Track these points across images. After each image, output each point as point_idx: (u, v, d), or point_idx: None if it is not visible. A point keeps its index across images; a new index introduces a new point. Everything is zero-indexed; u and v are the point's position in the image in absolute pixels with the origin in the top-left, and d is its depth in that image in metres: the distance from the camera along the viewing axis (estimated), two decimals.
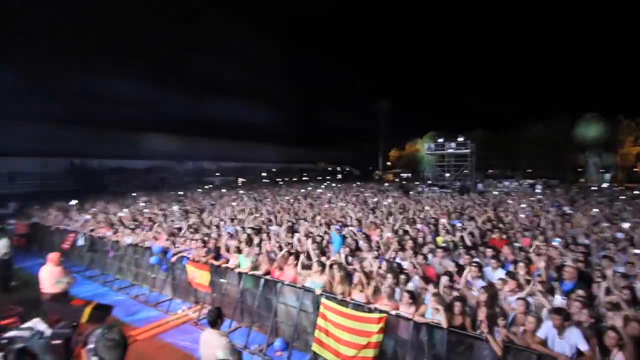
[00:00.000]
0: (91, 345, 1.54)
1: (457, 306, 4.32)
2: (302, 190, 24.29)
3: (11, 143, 19.74)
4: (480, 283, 5.03)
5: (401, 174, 48.67)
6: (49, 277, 5.60)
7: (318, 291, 5.34)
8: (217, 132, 39.90)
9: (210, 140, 40.27)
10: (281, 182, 41.96)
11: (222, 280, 6.89)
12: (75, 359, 1.87)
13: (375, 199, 16.51)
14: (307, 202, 15.48)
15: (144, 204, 15.28)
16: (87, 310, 2.14)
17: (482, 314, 4.12)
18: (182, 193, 22.68)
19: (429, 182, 32.88)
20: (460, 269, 5.44)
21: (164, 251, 8.03)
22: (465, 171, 31.55)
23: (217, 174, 44.06)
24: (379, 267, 5.72)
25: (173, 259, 7.73)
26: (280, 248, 6.78)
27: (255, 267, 6.44)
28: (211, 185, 33.67)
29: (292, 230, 8.66)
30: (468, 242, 7.21)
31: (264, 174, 47.85)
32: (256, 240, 7.49)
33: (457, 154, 32.17)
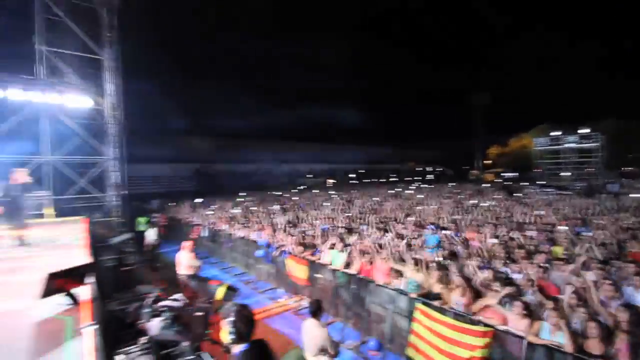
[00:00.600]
0: (231, 318, 1.89)
1: (591, 327, 3.66)
2: (391, 191, 23.82)
3: (152, 152, 24.69)
4: (617, 305, 4.19)
5: (503, 174, 43.19)
6: (184, 261, 6.87)
7: (413, 295, 5.24)
8: (308, 135, 42.18)
9: (303, 144, 42.80)
10: (369, 183, 41.87)
11: (317, 275, 7.33)
12: (212, 329, 2.28)
13: (474, 201, 15.11)
14: (396, 202, 15.15)
15: (250, 203, 17.26)
16: (222, 290, 2.60)
17: (621, 341, 3.46)
18: (279, 193, 24.74)
19: (542, 182, 28.37)
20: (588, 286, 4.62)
21: (268, 245, 8.96)
22: (590, 169, 26.19)
23: (308, 175, 46.47)
24: (482, 275, 5.28)
25: (275, 253, 8.57)
26: (373, 247, 6.85)
27: (347, 264, 6.67)
28: (304, 187, 35.76)
29: (382, 230, 8.64)
30: (598, 255, 6.05)
31: (351, 175, 48.43)
32: (349, 238, 7.74)
33: (579, 148, 26.96)
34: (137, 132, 14.72)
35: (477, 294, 4.80)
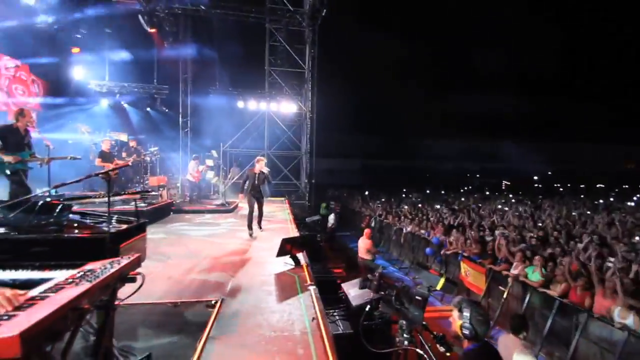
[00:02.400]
0: (466, 314, 2.00)
1: None
2: (601, 201, 18.18)
3: (330, 147, 28.16)
4: None
5: None
6: (364, 246, 7.62)
7: None
8: (470, 128, 37.24)
9: (469, 140, 38.27)
10: (561, 189, 33.43)
11: (501, 287, 6.58)
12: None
13: None
14: (612, 217, 11.42)
15: (416, 200, 17.21)
16: (442, 280, 2.79)
17: None
18: (443, 192, 23.39)
19: None
20: None
21: (440, 244, 8.71)
22: None
23: (477, 175, 41.58)
24: None
25: (448, 252, 8.25)
26: (593, 270, 5.52)
27: (548, 282, 5.65)
28: (471, 187, 32.34)
29: (599, 253, 6.78)
30: None
31: (535, 178, 39.84)
32: (544, 253, 6.51)
33: None
34: (325, 129, 17.17)
35: None
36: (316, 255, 6.82)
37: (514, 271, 6.37)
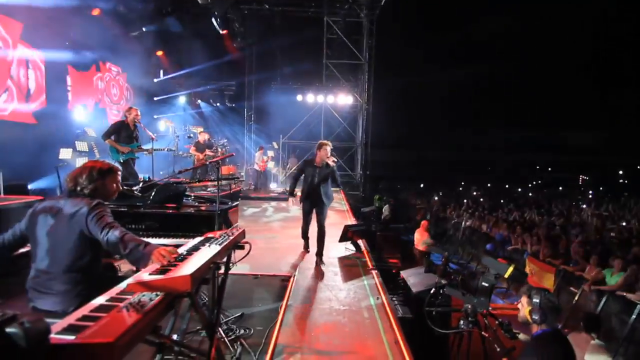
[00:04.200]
0: (535, 300, 2.09)
1: None
2: None
3: (385, 139, 27.78)
4: None
5: None
6: (421, 238, 7.64)
7: None
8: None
9: (538, 129, 34.72)
10: None
11: (572, 288, 6.16)
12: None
13: None
14: None
15: (476, 194, 16.38)
16: (510, 269, 2.82)
17: None
18: (507, 186, 21.77)
19: None
20: None
21: (503, 240, 8.34)
22: None
23: (549, 168, 37.64)
24: None
25: (510, 248, 7.88)
26: None
27: (629, 286, 5.19)
28: (539, 181, 29.48)
29: None
30: None
31: (620, 172, 34.78)
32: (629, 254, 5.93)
33: None
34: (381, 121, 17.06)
35: None
36: (371, 244, 7.03)
37: (589, 274, 5.92)
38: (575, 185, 28.98)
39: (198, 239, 1.87)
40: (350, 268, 4.27)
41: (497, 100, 35.17)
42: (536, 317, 2.07)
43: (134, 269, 1.87)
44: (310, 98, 13.74)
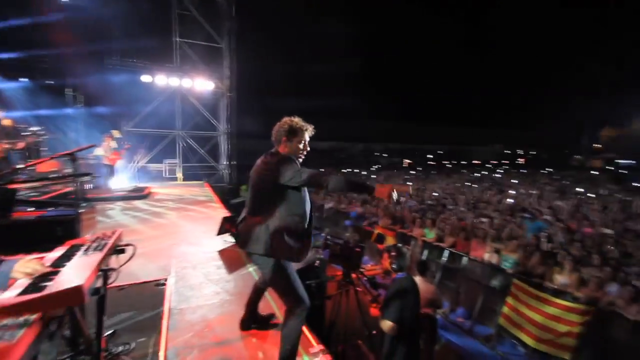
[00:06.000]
0: (393, 254, 2.67)
1: None
2: (477, 175, 22.63)
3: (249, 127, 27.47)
4: None
5: (617, 161, 36.67)
6: None
7: (510, 270, 5.49)
8: (383, 111, 41.35)
9: (378, 121, 42.32)
10: (449, 165, 39.86)
11: (407, 247, 7.93)
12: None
13: (579, 189, 13.68)
14: (485, 186, 14.57)
15: None
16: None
17: None
18: (357, 171, 25.54)
19: None
20: None
21: (358, 216, 9.81)
22: None
23: (384, 154, 46.11)
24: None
25: (365, 223, 9.38)
26: (465, 227, 7.12)
27: (439, 239, 7.09)
28: (379, 166, 35.81)
29: (474, 210, 8.72)
30: None
31: (429, 156, 46.44)
32: (439, 216, 8.08)
33: None
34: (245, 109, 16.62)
35: (582, 280, 4.86)
36: None
37: (416, 233, 7.77)
38: (402, 168, 36.66)
39: (61, 250, 1.46)
40: (233, 259, 4.17)
41: (364, 93, 40.19)
42: (395, 267, 2.68)
43: None
44: (162, 80, 12.02)
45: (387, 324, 2.55)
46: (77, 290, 0.98)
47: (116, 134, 10.00)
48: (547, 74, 46.63)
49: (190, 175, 13.51)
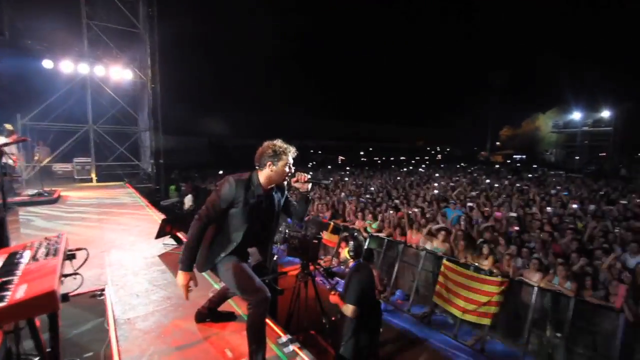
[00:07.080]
0: (350, 242, 2.82)
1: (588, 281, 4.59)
2: (405, 170, 24.63)
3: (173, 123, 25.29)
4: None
5: (514, 156, 43.50)
6: None
7: (440, 253, 6.15)
8: (315, 108, 42.28)
9: (312, 117, 43.15)
10: (379, 162, 42.52)
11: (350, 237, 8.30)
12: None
13: (487, 180, 15.88)
14: (411, 179, 15.99)
15: None
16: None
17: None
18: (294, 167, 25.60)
19: (553, 164, 28.84)
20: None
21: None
22: (603, 153, 26.57)
23: (319, 152, 47.06)
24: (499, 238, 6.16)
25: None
26: (405, 216, 7.73)
27: (379, 230, 7.58)
28: (314, 163, 36.46)
29: (406, 204, 9.50)
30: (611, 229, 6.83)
31: (361, 153, 48.92)
32: (377, 209, 8.62)
33: (594, 132, 27.13)
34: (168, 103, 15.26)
35: (496, 260, 5.70)
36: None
37: (359, 225, 8.16)
38: (338, 164, 37.89)
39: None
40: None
41: (299, 91, 39.89)
42: (352, 254, 2.83)
43: None
44: (68, 67, 10.37)
45: (349, 308, 2.67)
46: (50, 295, 0.84)
47: (8, 127, 8.35)
48: (467, 79, 52.57)
49: (106, 176, 11.99)
